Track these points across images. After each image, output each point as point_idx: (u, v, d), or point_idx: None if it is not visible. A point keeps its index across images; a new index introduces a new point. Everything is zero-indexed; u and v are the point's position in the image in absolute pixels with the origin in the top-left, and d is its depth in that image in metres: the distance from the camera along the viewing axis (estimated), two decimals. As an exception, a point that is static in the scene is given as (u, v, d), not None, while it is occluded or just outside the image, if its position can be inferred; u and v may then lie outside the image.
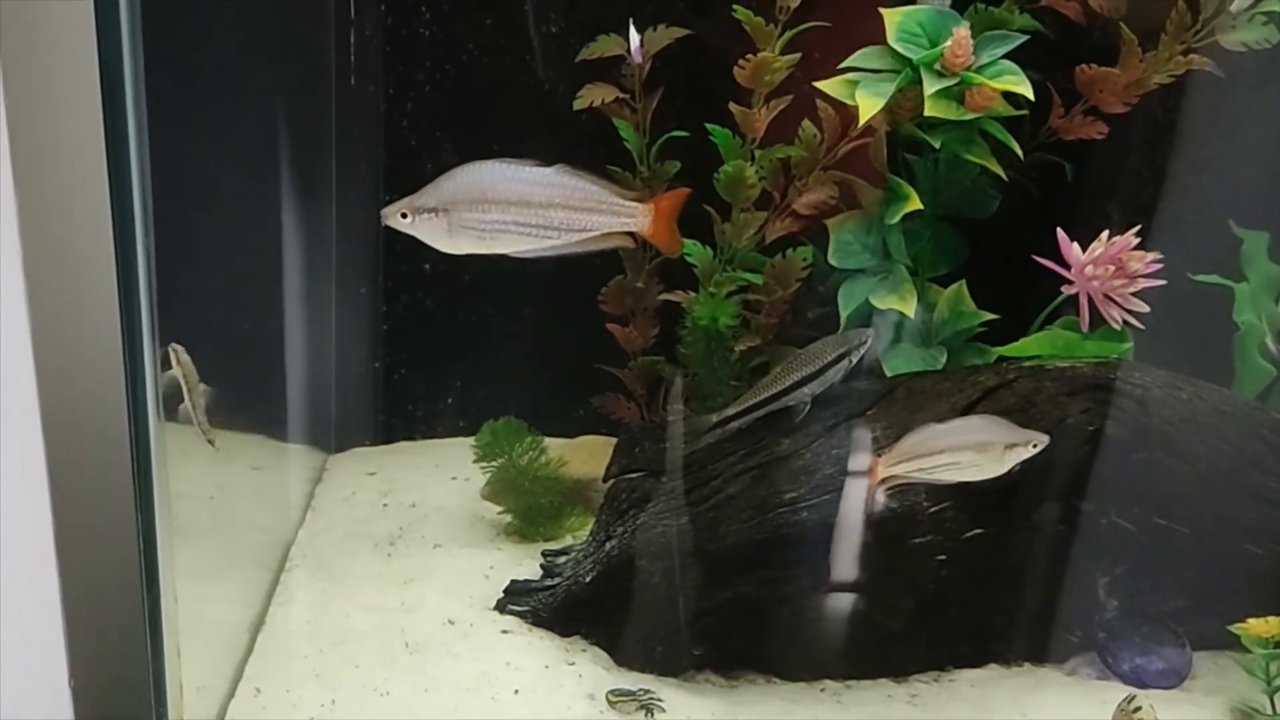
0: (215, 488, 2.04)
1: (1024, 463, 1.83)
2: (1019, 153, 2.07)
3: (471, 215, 1.55)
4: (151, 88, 1.36)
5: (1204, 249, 2.15)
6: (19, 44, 1.26)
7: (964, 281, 2.21)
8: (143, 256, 1.40)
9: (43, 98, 1.28)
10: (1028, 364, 2.02)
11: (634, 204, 1.59)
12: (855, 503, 1.89)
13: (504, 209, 1.55)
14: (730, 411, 1.95)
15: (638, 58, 2.16)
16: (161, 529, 1.50)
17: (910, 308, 2.11)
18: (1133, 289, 1.96)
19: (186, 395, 1.76)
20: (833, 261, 2.20)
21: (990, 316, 2.18)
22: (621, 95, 2.21)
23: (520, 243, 1.57)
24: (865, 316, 2.18)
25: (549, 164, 1.58)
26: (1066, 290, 1.99)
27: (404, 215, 1.55)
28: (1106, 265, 1.94)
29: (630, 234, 1.63)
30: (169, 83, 1.48)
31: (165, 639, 1.54)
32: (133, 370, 1.41)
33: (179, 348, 1.73)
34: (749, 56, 2.12)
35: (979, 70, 2.02)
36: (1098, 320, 2.01)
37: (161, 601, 1.52)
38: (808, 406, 1.93)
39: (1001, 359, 2.11)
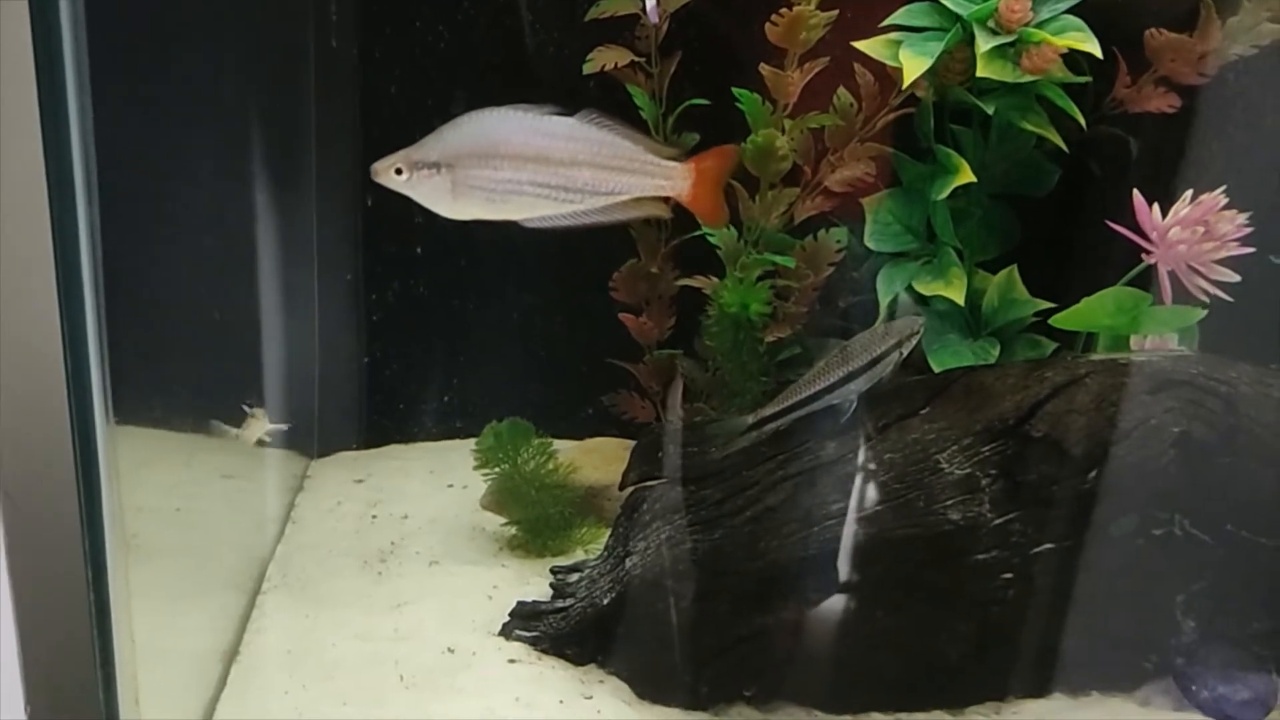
0: (182, 499, 1.93)
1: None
2: (1082, 122, 1.95)
3: (480, 173, 1.36)
4: (100, 51, 1.25)
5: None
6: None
7: (1015, 266, 2.10)
8: (86, 239, 1.29)
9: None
10: (1097, 358, 1.89)
11: (672, 164, 1.40)
12: (911, 515, 1.74)
13: (519, 166, 1.36)
14: (768, 411, 1.81)
15: (654, 17, 2.04)
16: (113, 549, 1.40)
17: (961, 295, 2.02)
18: (1220, 255, 1.84)
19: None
20: (870, 244, 2.11)
21: (1046, 305, 2.05)
22: (636, 59, 2.09)
23: (537, 206, 1.39)
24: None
25: (571, 112, 1.37)
26: (1147, 260, 1.87)
27: (399, 171, 1.38)
28: (1194, 227, 1.82)
29: (665, 199, 1.42)
30: (124, 50, 1.39)
31: (120, 675, 1.44)
32: (75, 366, 1.30)
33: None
34: (782, 11, 1.98)
35: (1039, 27, 1.90)
36: (1177, 296, 1.89)
37: (114, 633, 1.42)
38: (854, 405, 1.80)
39: (1060, 347, 2.00)
